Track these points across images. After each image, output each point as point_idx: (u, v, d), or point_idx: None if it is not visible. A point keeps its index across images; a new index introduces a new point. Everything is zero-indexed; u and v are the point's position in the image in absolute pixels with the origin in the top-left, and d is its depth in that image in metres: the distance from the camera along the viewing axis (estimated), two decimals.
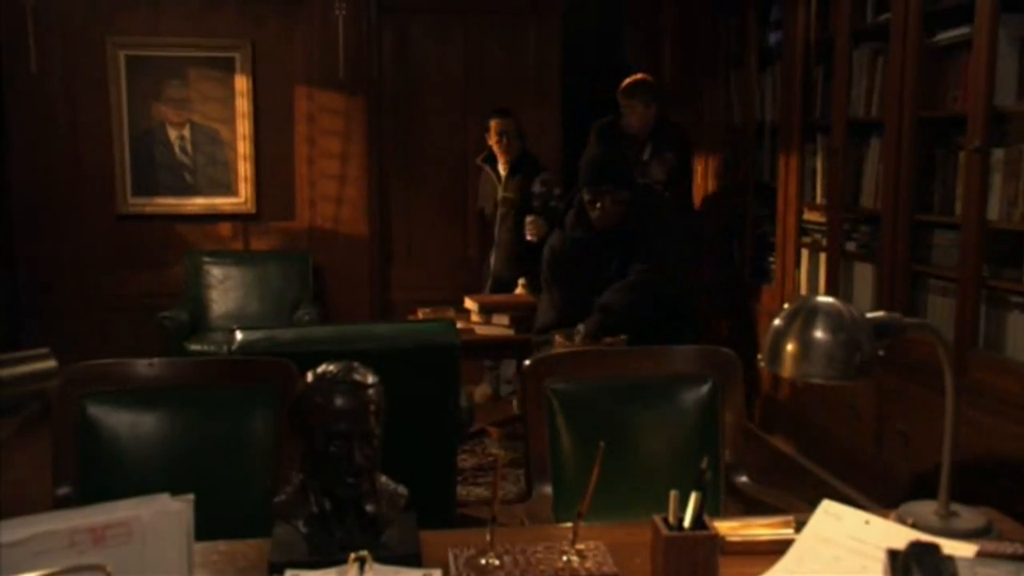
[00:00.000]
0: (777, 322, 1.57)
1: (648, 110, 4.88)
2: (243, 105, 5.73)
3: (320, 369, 1.45)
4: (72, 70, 5.60)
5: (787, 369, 1.53)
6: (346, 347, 3.14)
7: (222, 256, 5.68)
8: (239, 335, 3.61)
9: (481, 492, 4.17)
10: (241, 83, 5.71)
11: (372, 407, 1.42)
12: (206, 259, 5.63)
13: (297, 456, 2.14)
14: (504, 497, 4.28)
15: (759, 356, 2.53)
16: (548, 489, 2.14)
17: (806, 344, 1.51)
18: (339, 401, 1.40)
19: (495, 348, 4.52)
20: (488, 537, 1.44)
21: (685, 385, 2.25)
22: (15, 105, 5.54)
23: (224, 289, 5.58)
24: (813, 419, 4.50)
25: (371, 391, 1.43)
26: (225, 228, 5.86)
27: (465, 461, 4.49)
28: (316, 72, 5.76)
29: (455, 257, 6.00)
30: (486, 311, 4.29)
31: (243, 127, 5.75)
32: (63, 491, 2.05)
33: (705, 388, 2.24)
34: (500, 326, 4.26)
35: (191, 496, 1.32)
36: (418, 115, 5.99)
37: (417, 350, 3.13)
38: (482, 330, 4.26)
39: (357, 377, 1.43)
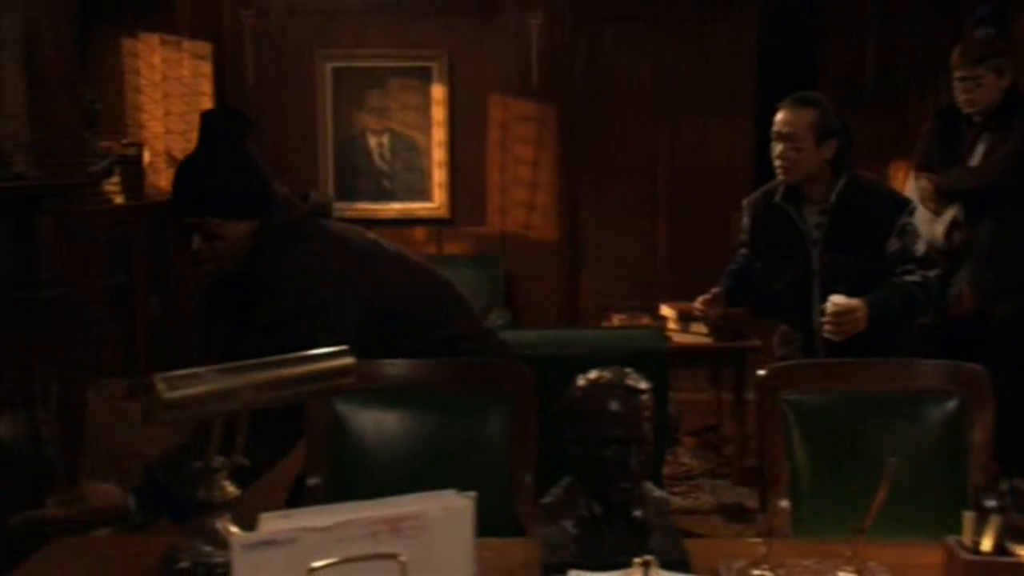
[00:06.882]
0: None
1: (1000, 81, 3.60)
2: (439, 113, 5.89)
3: (592, 375, 1.47)
4: (284, 83, 5.92)
5: None
6: (555, 351, 3.18)
7: None
8: None
9: (678, 502, 4.12)
10: (438, 92, 5.88)
11: (646, 412, 1.43)
12: None
13: (530, 458, 2.20)
14: (700, 508, 4.23)
15: None
16: (784, 503, 2.09)
17: None
18: (614, 406, 1.42)
19: (693, 357, 4.47)
20: (763, 549, 1.42)
21: (929, 401, 2.15)
22: None
23: None
24: None
25: (644, 396, 1.44)
26: (420, 232, 6.03)
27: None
28: (510, 81, 5.85)
29: (643, 264, 5.97)
30: (684, 319, 4.27)
31: (439, 134, 5.91)
32: (313, 481, 2.17)
33: (951, 405, 2.13)
34: (698, 334, 4.24)
35: (473, 493, 1.37)
36: (609, 122, 5.98)
37: (627, 356, 3.11)
38: (679, 338, 4.23)
39: (630, 383, 1.45)
